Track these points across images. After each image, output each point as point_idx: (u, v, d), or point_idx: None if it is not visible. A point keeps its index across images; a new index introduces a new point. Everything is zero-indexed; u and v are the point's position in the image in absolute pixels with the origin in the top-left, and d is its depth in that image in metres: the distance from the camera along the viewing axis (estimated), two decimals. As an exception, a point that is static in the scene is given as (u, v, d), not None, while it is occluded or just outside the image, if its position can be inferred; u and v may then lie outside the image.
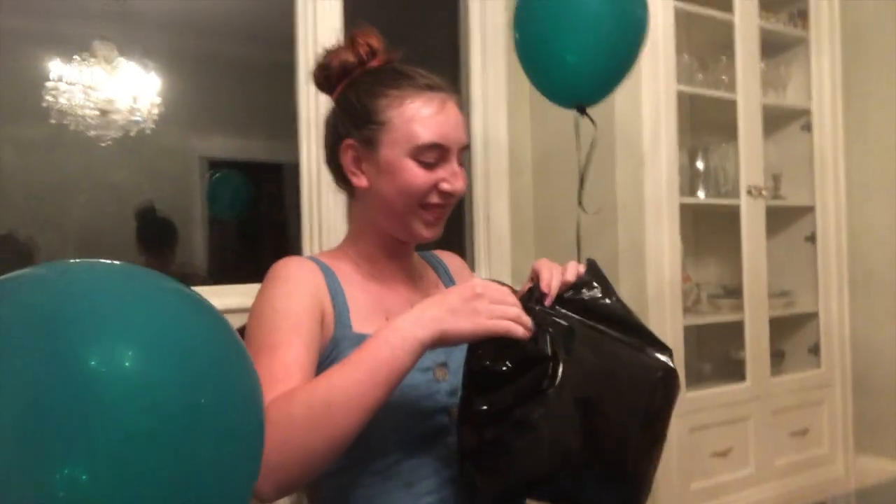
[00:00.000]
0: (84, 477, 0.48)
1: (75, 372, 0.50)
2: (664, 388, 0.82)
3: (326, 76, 0.98)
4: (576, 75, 1.45)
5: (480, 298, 0.77)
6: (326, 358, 0.88)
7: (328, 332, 0.90)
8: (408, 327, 0.76)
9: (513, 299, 0.81)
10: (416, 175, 0.90)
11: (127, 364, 0.52)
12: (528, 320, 0.80)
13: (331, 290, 0.92)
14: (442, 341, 0.77)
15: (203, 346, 0.58)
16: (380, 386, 0.74)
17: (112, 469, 0.49)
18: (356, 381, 0.73)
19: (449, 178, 0.92)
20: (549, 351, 0.79)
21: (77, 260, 0.62)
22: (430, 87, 0.93)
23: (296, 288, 0.88)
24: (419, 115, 0.90)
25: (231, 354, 0.62)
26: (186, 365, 0.55)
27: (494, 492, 0.80)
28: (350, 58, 0.96)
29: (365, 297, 0.94)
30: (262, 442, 0.63)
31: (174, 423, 0.52)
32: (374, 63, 0.97)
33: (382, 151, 0.91)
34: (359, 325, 0.90)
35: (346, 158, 0.94)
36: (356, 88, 0.95)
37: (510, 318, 0.78)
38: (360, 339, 0.86)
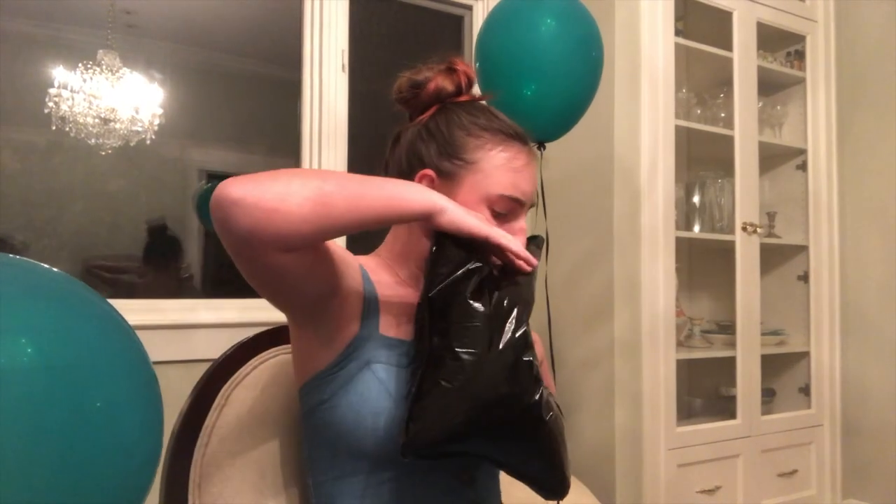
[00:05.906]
0: None
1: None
2: None
3: (416, 95, 0.94)
4: (534, 110, 1.41)
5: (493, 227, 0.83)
6: (344, 357, 0.84)
7: (352, 329, 0.85)
8: (427, 191, 0.80)
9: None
10: None
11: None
12: (528, 256, 0.84)
13: (365, 290, 0.88)
14: (447, 216, 0.79)
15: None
16: (382, 200, 0.75)
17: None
18: (362, 185, 0.75)
19: (514, 234, 0.88)
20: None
21: None
22: (519, 137, 0.91)
23: (344, 254, 0.87)
24: (507, 165, 0.88)
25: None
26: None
27: (422, 442, 0.76)
28: (448, 86, 0.94)
29: (398, 302, 0.90)
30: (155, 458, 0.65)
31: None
32: (466, 97, 0.95)
33: (461, 192, 0.87)
34: (386, 328, 0.86)
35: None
36: (447, 118, 0.91)
37: (514, 246, 0.82)
38: (386, 341, 0.84)
